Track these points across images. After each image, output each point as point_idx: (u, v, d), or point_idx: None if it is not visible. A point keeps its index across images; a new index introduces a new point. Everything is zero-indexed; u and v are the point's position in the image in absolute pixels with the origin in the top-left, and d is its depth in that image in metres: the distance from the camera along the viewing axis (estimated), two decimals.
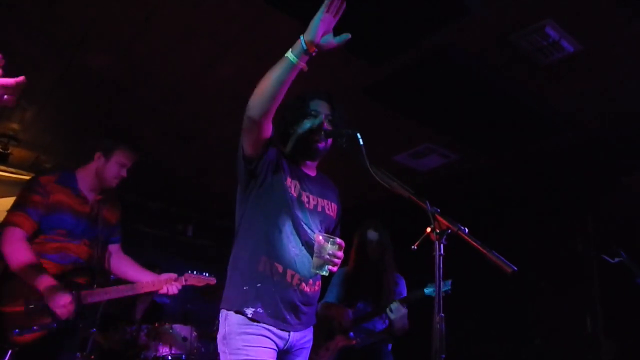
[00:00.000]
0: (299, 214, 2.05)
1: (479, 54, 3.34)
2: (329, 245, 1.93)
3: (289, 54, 1.76)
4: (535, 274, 4.31)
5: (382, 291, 3.56)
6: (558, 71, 3.43)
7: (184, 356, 4.12)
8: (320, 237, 1.95)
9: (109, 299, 2.88)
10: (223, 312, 1.97)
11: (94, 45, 3.51)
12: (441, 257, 1.68)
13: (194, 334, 4.27)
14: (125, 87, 4.04)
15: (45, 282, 2.56)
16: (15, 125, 4.76)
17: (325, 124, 2.11)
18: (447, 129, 4.28)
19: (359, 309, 3.57)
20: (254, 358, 1.84)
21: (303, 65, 1.77)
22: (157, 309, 5.04)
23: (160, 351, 4.08)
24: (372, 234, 3.68)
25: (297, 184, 2.09)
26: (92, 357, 3.92)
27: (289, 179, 2.06)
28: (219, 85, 3.90)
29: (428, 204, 1.75)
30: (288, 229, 2.01)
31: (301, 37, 1.74)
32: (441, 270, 1.67)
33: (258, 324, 1.89)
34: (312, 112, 2.13)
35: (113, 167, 2.91)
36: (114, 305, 4.24)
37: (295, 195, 2.06)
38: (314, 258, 1.96)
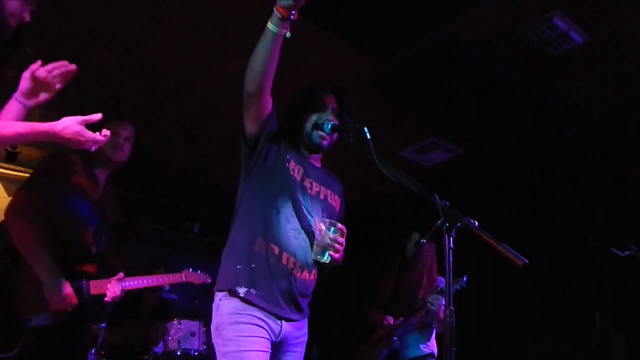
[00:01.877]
0: (300, 198, 2.02)
1: (486, 46, 3.32)
2: (330, 231, 1.93)
3: (269, 24, 1.79)
4: (544, 267, 4.29)
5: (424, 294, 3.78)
6: (566, 63, 3.40)
7: (192, 351, 4.14)
8: (321, 224, 1.94)
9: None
10: (216, 299, 1.92)
11: (101, 42, 3.52)
12: (451, 251, 1.68)
13: (203, 329, 4.29)
14: (132, 83, 4.05)
15: (46, 270, 2.34)
16: None
17: (332, 118, 2.11)
18: (454, 122, 4.26)
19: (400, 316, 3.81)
20: (245, 349, 1.79)
21: (285, 31, 1.79)
22: (164, 305, 5.06)
23: (169, 346, 4.10)
24: (416, 238, 3.99)
25: (301, 169, 2.07)
26: (102, 352, 3.95)
27: (292, 163, 2.05)
28: (226, 81, 3.88)
29: (437, 198, 1.75)
30: (287, 211, 1.98)
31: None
32: (451, 264, 1.66)
33: (251, 307, 1.84)
34: (320, 106, 2.12)
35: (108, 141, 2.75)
36: (122, 301, 4.27)
37: (298, 178, 2.04)
38: (314, 245, 1.95)
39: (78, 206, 2.58)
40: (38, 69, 1.88)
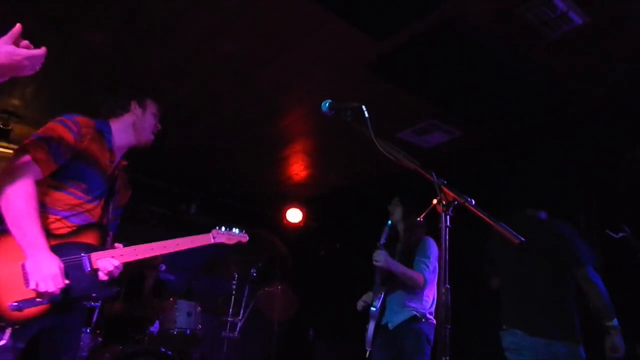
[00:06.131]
0: None
1: (484, 27, 3.29)
2: None
3: None
4: None
5: None
6: (564, 44, 3.37)
7: (188, 331, 4.15)
8: None
9: (126, 262, 2.23)
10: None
11: (92, 21, 3.47)
12: (447, 229, 1.68)
13: (198, 309, 4.30)
14: (125, 64, 4.00)
15: (31, 242, 1.93)
16: (16, 102, 4.73)
17: None
18: (452, 103, 4.24)
19: None
20: None
21: None
22: (161, 285, 5.06)
23: (165, 326, 4.11)
24: None
25: None
26: (98, 331, 3.96)
27: None
28: (220, 62, 3.85)
29: (435, 176, 1.74)
30: None
31: None
32: (447, 242, 1.66)
33: None
34: None
35: (149, 118, 2.49)
36: (119, 280, 4.26)
37: None
38: None
39: (89, 176, 2.21)
40: None
